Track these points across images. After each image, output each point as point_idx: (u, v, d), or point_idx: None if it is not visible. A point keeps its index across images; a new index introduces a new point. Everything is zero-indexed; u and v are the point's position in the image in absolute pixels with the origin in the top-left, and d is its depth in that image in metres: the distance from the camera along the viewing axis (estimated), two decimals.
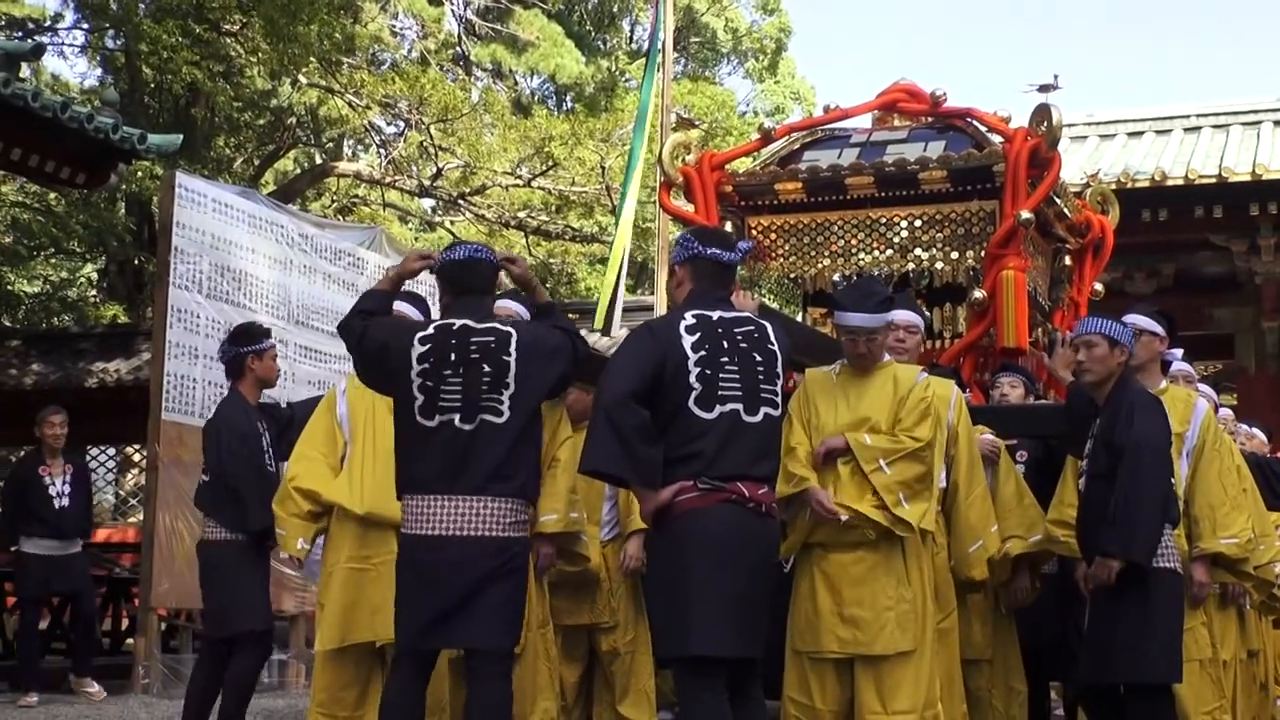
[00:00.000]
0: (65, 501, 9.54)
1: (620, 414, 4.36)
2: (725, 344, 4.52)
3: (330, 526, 5.52)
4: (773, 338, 4.64)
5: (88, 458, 17.04)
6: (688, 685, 4.41)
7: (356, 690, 5.45)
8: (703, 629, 4.35)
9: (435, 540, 4.50)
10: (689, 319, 4.54)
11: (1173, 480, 5.32)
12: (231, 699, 6.30)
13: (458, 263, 4.78)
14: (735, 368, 4.51)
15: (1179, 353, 6.50)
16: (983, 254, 7.44)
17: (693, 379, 4.44)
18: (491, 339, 4.60)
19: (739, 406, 4.48)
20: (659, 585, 4.56)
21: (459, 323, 4.64)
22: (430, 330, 4.64)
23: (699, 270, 4.68)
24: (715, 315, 4.58)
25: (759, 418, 4.51)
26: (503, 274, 4.92)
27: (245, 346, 6.55)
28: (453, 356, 4.56)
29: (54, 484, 9.54)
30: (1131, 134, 15.38)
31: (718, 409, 4.45)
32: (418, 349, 4.58)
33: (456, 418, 4.52)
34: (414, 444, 4.60)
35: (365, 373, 4.83)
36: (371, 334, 4.67)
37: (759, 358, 4.56)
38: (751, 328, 4.61)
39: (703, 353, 4.48)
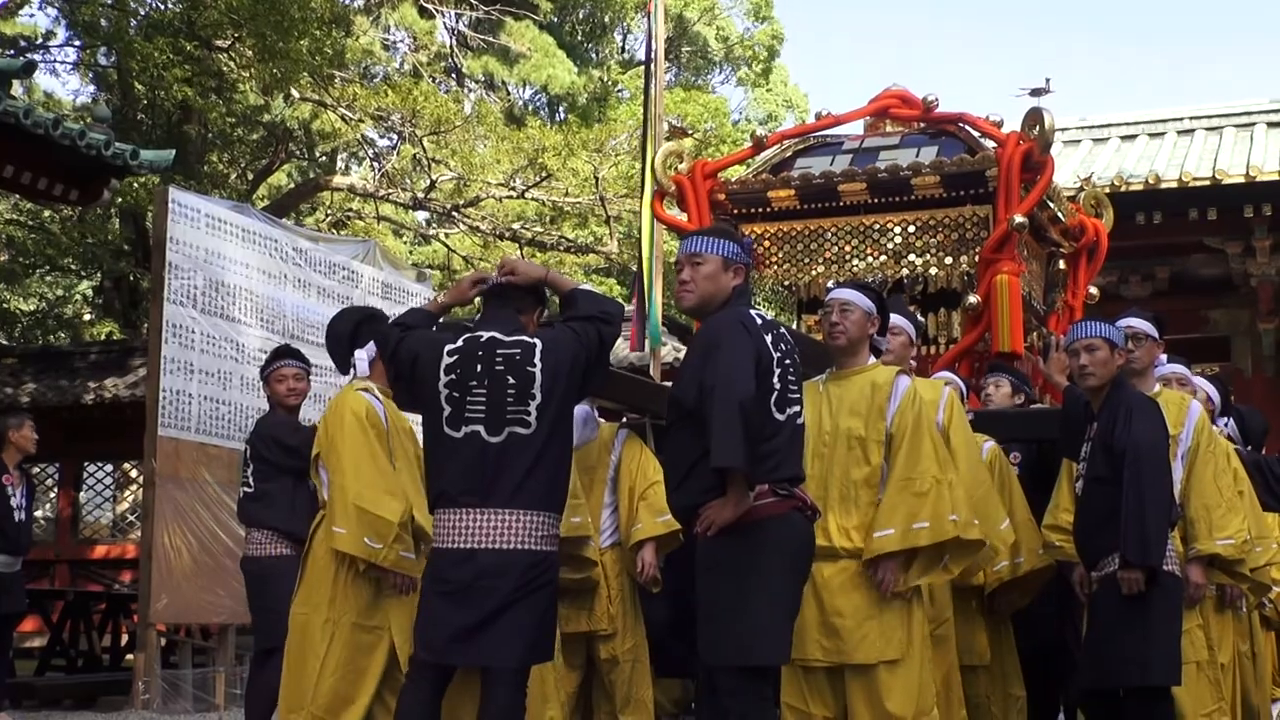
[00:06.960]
0: (23, 515, 8.88)
1: (751, 413, 4.27)
2: (786, 347, 4.54)
3: None
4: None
5: (85, 474, 17.09)
6: (752, 692, 4.39)
7: None
8: (780, 637, 4.41)
9: (464, 554, 4.47)
10: (759, 320, 4.51)
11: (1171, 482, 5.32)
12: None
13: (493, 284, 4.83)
14: (795, 373, 4.54)
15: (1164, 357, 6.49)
16: (977, 259, 7.45)
17: (775, 380, 4.43)
18: (517, 351, 4.60)
19: (799, 409, 4.53)
20: (727, 590, 4.39)
21: (487, 335, 4.65)
22: (459, 343, 4.65)
23: (746, 274, 4.69)
24: (769, 317, 4.61)
25: (801, 421, 4.56)
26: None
27: (264, 370, 6.88)
28: (479, 368, 4.57)
29: (14, 495, 8.85)
30: (1125, 137, 15.39)
31: (788, 410, 4.46)
32: (445, 360, 4.61)
33: (482, 430, 4.53)
34: (442, 456, 4.60)
35: (396, 384, 4.89)
36: (407, 345, 4.73)
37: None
38: (784, 330, 4.65)
39: (778, 354, 4.47)
